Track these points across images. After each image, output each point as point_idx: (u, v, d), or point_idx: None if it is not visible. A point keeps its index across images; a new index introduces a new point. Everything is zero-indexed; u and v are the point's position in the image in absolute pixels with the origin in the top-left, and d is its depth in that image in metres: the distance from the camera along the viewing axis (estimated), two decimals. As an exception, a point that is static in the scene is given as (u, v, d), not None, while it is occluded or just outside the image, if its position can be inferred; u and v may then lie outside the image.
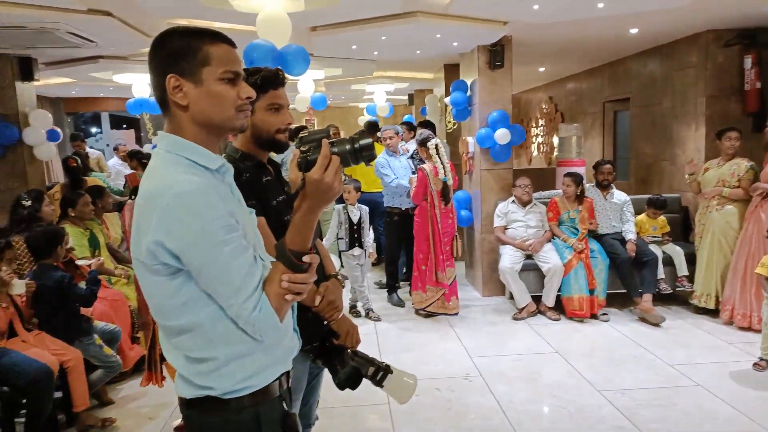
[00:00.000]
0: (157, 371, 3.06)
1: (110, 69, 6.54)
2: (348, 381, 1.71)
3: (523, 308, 4.87)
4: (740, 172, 4.54)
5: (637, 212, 5.17)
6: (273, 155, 1.94)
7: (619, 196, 5.12)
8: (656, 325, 4.56)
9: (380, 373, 1.70)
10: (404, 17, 4.57)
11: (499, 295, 5.55)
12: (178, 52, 1.21)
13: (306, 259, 1.21)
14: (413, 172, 5.12)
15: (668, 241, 5.16)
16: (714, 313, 4.66)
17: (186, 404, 1.31)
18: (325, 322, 1.82)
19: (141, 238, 1.17)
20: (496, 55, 5.27)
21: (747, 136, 4.83)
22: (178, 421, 3.26)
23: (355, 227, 4.80)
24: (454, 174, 4.98)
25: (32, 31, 4.46)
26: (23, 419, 2.81)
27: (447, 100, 5.91)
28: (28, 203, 3.88)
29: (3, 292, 2.89)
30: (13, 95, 5.37)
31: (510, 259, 4.91)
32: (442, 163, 4.76)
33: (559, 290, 4.84)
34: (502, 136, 5.23)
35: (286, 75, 1.86)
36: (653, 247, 4.98)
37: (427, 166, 4.79)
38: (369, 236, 4.91)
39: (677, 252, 5.04)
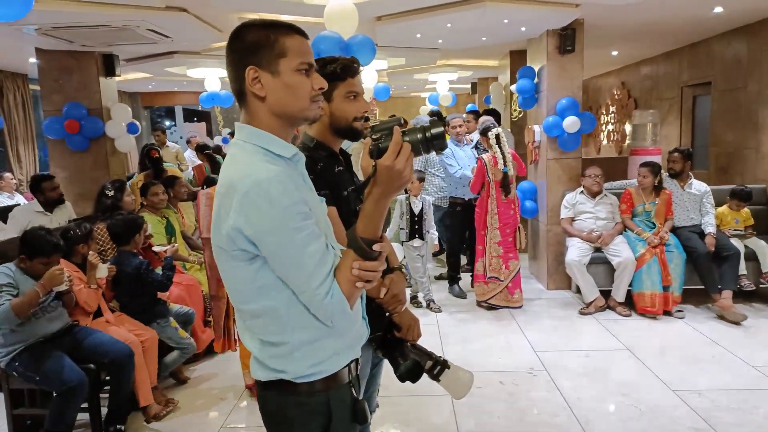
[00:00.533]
0: (230, 338, 3.29)
1: (184, 64, 6.82)
2: (409, 374, 1.72)
3: (590, 303, 4.71)
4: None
5: (717, 204, 4.87)
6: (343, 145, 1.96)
7: (698, 186, 4.83)
8: (736, 323, 4.30)
9: (437, 367, 1.70)
10: (471, 3, 4.48)
11: (565, 289, 5.39)
12: (256, 45, 1.24)
13: (376, 247, 1.22)
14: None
15: (752, 235, 4.83)
16: (804, 313, 4.34)
17: (261, 386, 1.36)
18: (387, 314, 1.83)
19: (221, 225, 1.22)
20: (567, 39, 5.07)
21: None
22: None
23: (416, 218, 4.80)
24: (520, 163, 4.87)
25: (115, 29, 4.71)
26: (106, 395, 3.00)
27: (513, 87, 5.77)
28: (111, 193, 4.12)
29: (92, 275, 3.09)
30: (97, 90, 5.70)
31: (577, 251, 4.75)
32: (502, 153, 4.66)
33: (630, 285, 4.63)
34: (571, 124, 5.05)
35: None
36: (735, 241, 4.68)
37: (486, 156, 4.72)
38: (432, 228, 4.89)
39: (761, 246, 4.70)
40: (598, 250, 4.80)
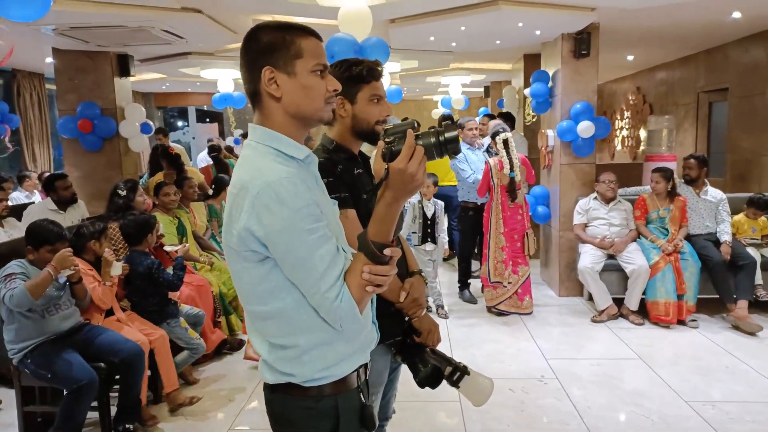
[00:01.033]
0: None
1: (198, 65, 6.87)
2: (428, 380, 1.70)
3: (603, 311, 4.65)
4: None
5: (734, 212, 4.80)
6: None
7: (713, 193, 4.76)
8: (752, 334, 4.22)
9: (457, 373, 1.68)
10: (486, 6, 4.46)
11: (576, 296, 5.33)
12: (272, 46, 1.24)
13: (387, 252, 1.21)
14: (488, 167, 5.02)
15: (769, 245, 4.75)
16: (821, 324, 4.25)
17: (269, 389, 1.35)
18: (406, 319, 1.81)
19: (232, 225, 1.22)
20: (582, 43, 5.03)
21: None
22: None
23: (429, 222, 4.77)
24: (529, 169, 4.82)
25: (130, 30, 4.75)
26: (116, 394, 3.01)
27: (526, 91, 5.73)
28: (124, 193, 4.15)
29: (107, 272, 3.11)
30: (111, 90, 5.74)
31: (590, 258, 4.70)
32: (509, 158, 4.63)
33: (643, 293, 4.57)
34: (585, 129, 5.01)
35: None
36: (751, 250, 4.60)
37: (492, 160, 4.69)
38: (443, 232, 4.86)
39: (779, 256, 4.63)
40: (611, 257, 4.74)
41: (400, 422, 3.08)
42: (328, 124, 1.78)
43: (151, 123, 6.26)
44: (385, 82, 6.78)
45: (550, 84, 5.48)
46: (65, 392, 2.75)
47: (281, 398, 1.33)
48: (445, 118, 6.83)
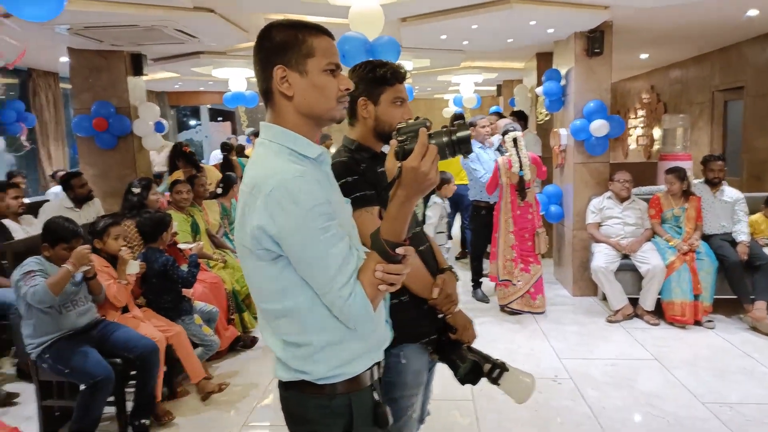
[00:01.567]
0: None
1: (210, 64, 6.90)
2: (468, 376, 1.69)
3: (618, 311, 4.61)
4: None
5: (751, 212, 4.73)
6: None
7: (730, 193, 4.70)
8: (770, 335, 4.17)
9: (496, 370, 1.67)
10: (498, 5, 4.43)
11: (590, 296, 5.29)
12: (284, 44, 1.24)
13: (400, 250, 1.20)
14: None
15: (787, 244, 4.68)
16: (841, 325, 4.18)
17: (283, 386, 1.36)
18: (440, 316, 1.79)
19: (245, 224, 1.22)
20: (595, 41, 4.99)
21: None
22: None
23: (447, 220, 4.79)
24: (540, 166, 4.79)
25: (143, 29, 4.78)
26: (132, 389, 3.03)
27: (539, 90, 5.69)
28: (138, 191, 4.18)
29: (122, 270, 3.14)
30: (125, 89, 5.79)
31: (604, 257, 4.66)
32: (519, 156, 4.60)
33: (659, 293, 4.52)
34: (598, 127, 4.97)
35: None
36: (768, 250, 4.54)
37: (501, 158, 4.68)
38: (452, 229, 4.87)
39: (797, 256, 4.55)
40: (626, 256, 4.69)
41: (412, 421, 3.08)
42: (350, 125, 1.78)
43: (164, 121, 6.30)
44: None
45: (562, 82, 5.44)
46: (82, 387, 2.78)
47: (296, 396, 1.33)
48: (457, 117, 6.82)
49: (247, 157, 7.98)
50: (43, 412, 2.96)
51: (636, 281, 4.66)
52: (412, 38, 5.52)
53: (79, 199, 4.57)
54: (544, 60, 6.71)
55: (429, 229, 4.76)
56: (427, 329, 1.78)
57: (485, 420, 3.08)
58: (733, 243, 4.54)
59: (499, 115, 6.49)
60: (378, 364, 1.40)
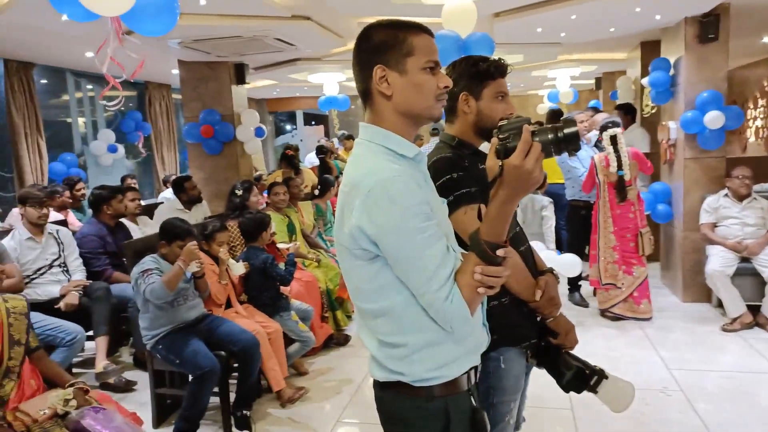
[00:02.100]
0: None
1: (306, 70, 7.16)
2: (573, 382, 1.62)
3: (735, 319, 4.21)
4: None
5: None
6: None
7: None
8: None
9: (594, 377, 1.59)
10: (599, -9, 4.21)
11: (703, 302, 4.87)
12: (384, 44, 1.24)
13: (501, 252, 1.16)
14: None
15: None
16: None
17: (378, 386, 1.36)
18: (539, 319, 1.73)
19: (344, 223, 1.23)
20: (709, 26, 4.58)
21: None
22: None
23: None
24: (642, 161, 4.46)
25: (246, 40, 5.06)
26: (234, 381, 3.21)
27: (644, 81, 5.33)
28: (240, 193, 4.42)
29: (222, 270, 3.34)
30: (229, 97, 6.15)
31: (720, 261, 4.27)
32: (617, 155, 4.31)
33: (785, 301, 4.08)
34: (713, 119, 4.56)
35: None
36: None
37: (597, 156, 4.42)
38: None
39: None
40: (745, 259, 4.28)
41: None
42: (449, 122, 1.76)
43: (263, 127, 6.63)
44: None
45: (671, 72, 5.06)
46: (190, 378, 2.98)
47: (392, 396, 1.33)
48: (555, 113, 6.54)
49: (338, 159, 8.21)
50: (156, 400, 3.20)
51: (757, 287, 4.23)
52: (505, 33, 5.37)
53: (191, 200, 4.92)
54: (650, 49, 6.27)
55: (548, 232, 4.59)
56: (528, 333, 1.71)
57: (584, 430, 2.93)
58: None
59: (596, 110, 6.14)
60: (475, 368, 1.36)
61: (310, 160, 8.89)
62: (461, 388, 1.32)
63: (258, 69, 6.94)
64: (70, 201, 5.53)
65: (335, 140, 11.05)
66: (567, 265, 4.06)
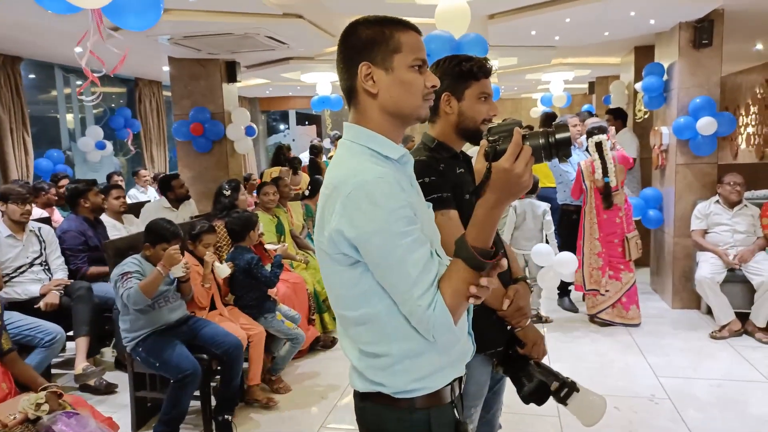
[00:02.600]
0: None
1: (298, 69, 7.10)
2: (533, 395, 1.59)
3: (724, 326, 4.19)
4: None
5: None
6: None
7: None
8: None
9: (565, 389, 1.55)
10: (593, -5, 4.18)
11: (692, 308, 4.86)
12: (370, 40, 1.20)
13: (497, 263, 1.13)
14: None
15: None
16: None
17: (359, 396, 1.31)
18: (509, 328, 1.70)
19: (324, 227, 1.18)
20: (703, 31, 4.57)
21: None
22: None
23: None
24: (624, 160, 4.43)
25: (237, 37, 4.99)
26: (215, 384, 3.15)
27: (637, 86, 5.32)
28: (228, 192, 4.35)
29: (207, 273, 3.26)
30: (220, 95, 6.09)
31: (710, 267, 4.26)
32: (603, 161, 4.29)
33: (774, 309, 4.06)
34: (706, 125, 4.55)
35: None
36: None
37: (583, 162, 4.39)
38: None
39: None
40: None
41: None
42: (430, 122, 1.72)
43: (254, 126, 6.56)
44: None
45: (665, 77, 5.05)
46: (171, 381, 2.91)
47: (371, 407, 1.28)
48: (548, 116, 6.53)
49: (330, 159, 8.18)
50: (135, 403, 3.13)
51: (747, 294, 4.22)
52: (499, 35, 5.34)
53: (179, 199, 4.85)
54: (643, 54, 6.26)
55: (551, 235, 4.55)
56: (495, 340, 1.69)
57: (573, 439, 2.89)
58: None
59: (590, 114, 6.12)
60: (459, 379, 1.32)
61: (303, 159, 8.85)
62: (444, 400, 1.27)
63: (250, 67, 6.87)
64: (56, 198, 5.44)
65: (327, 140, 11.02)
66: (564, 262, 4.07)
